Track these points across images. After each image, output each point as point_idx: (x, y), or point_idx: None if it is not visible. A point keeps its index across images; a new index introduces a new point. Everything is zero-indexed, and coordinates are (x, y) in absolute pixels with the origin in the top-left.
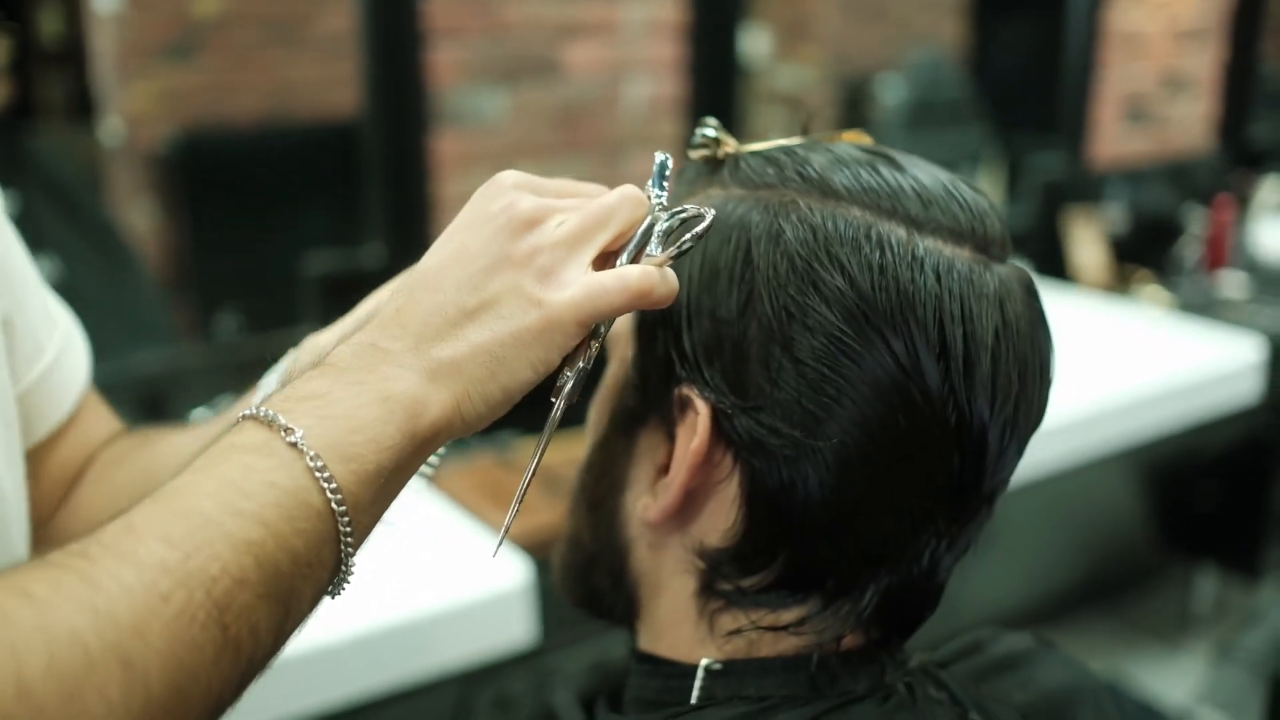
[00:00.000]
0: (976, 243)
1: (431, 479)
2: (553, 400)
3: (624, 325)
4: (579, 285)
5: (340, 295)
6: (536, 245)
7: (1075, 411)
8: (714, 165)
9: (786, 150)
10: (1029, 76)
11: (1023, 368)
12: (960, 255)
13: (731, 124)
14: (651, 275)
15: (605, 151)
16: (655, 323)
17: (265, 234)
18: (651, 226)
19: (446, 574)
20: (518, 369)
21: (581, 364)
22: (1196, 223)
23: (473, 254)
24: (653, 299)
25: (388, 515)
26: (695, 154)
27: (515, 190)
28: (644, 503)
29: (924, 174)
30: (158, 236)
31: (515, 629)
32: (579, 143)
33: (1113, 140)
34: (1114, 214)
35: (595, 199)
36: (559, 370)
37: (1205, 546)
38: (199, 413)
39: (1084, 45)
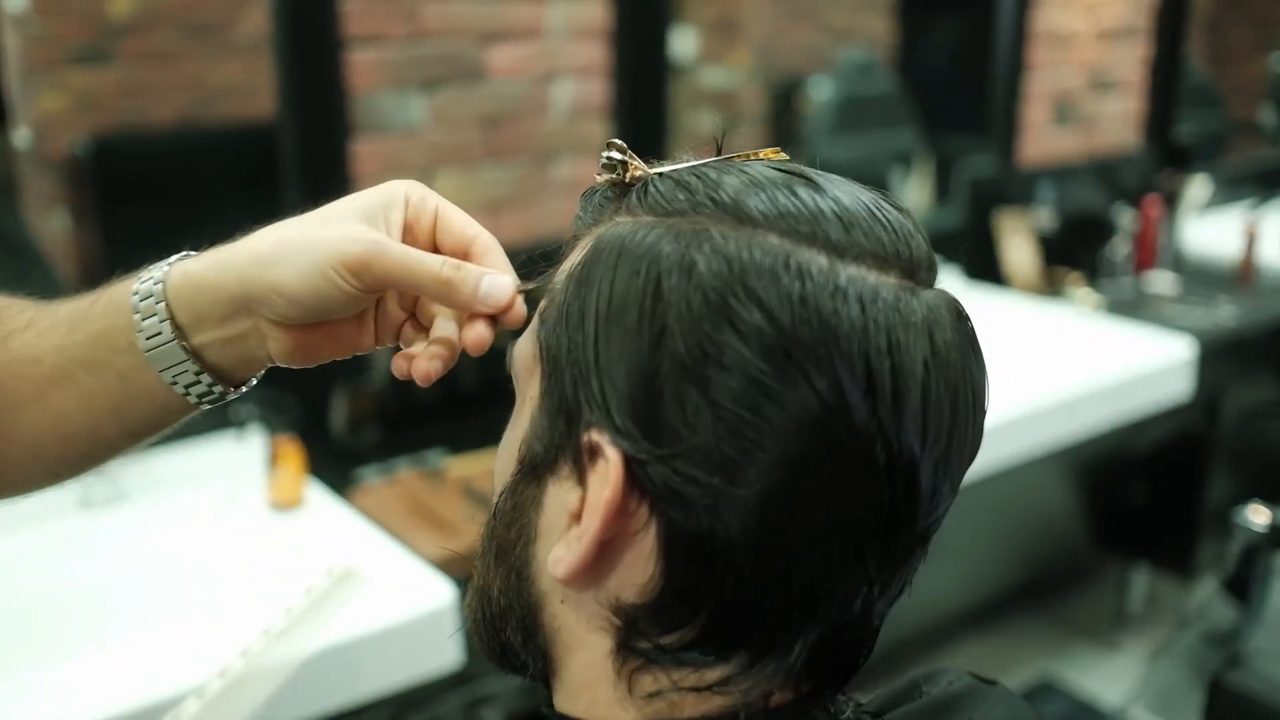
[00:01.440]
0: (902, 267)
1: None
2: None
3: (529, 361)
4: None
5: None
6: None
7: (1008, 413)
8: (622, 189)
9: (697, 173)
10: (957, 76)
11: (954, 399)
12: (885, 282)
13: (662, 128)
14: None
15: (532, 156)
16: (561, 359)
17: (184, 241)
18: None
19: (372, 596)
20: None
21: None
22: (1125, 222)
23: None
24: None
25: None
26: (602, 177)
27: None
28: (555, 555)
29: (845, 194)
30: (71, 244)
31: (444, 651)
32: (505, 148)
33: (1042, 140)
34: (1044, 214)
35: None
36: None
37: (1139, 545)
38: None
39: (1012, 45)
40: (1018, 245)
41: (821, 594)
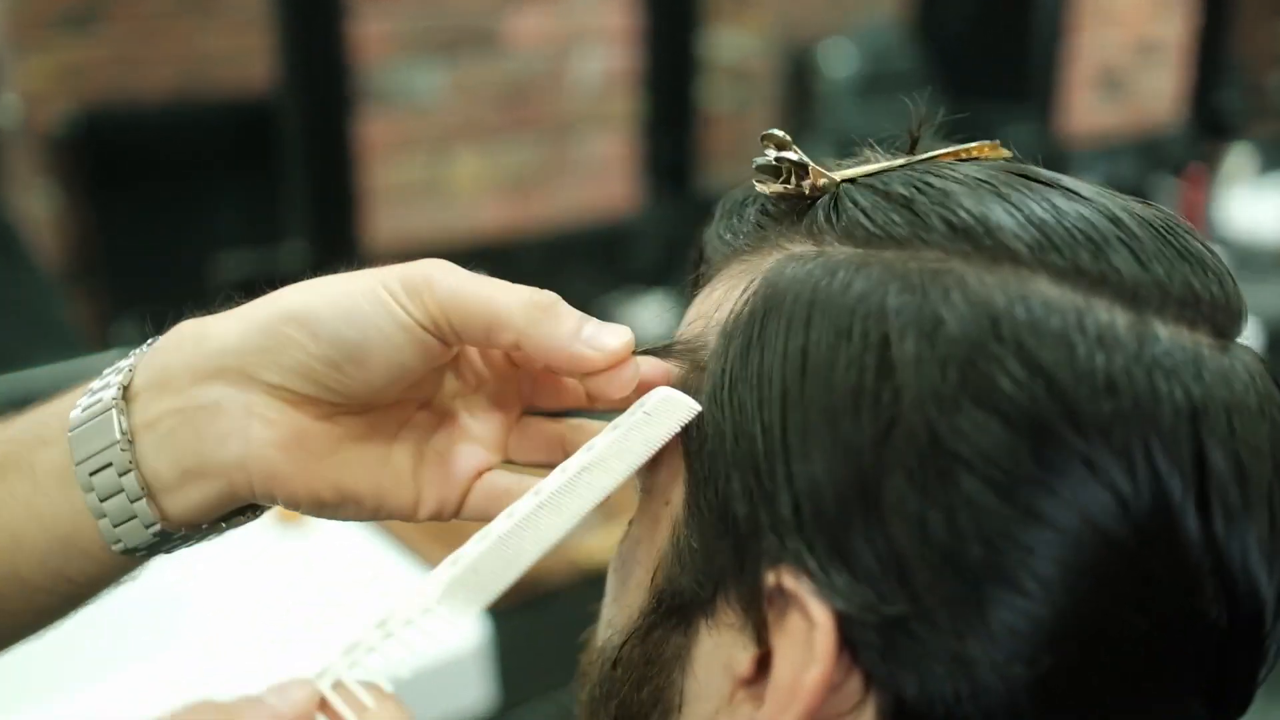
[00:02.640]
0: (1215, 319)
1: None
2: None
3: (673, 457)
4: None
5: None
6: None
7: None
8: (797, 204)
9: (911, 180)
10: (983, 41)
11: None
12: (1200, 342)
13: (693, 102)
14: None
15: (554, 131)
16: (723, 458)
17: (175, 223)
18: None
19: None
20: None
21: None
22: (1168, 195)
23: None
24: None
25: None
26: (767, 186)
27: None
28: None
29: (1119, 210)
30: (57, 225)
31: (472, 691)
32: (525, 122)
33: (1083, 111)
34: None
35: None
36: None
37: None
38: None
39: (1052, 10)
40: None
41: None
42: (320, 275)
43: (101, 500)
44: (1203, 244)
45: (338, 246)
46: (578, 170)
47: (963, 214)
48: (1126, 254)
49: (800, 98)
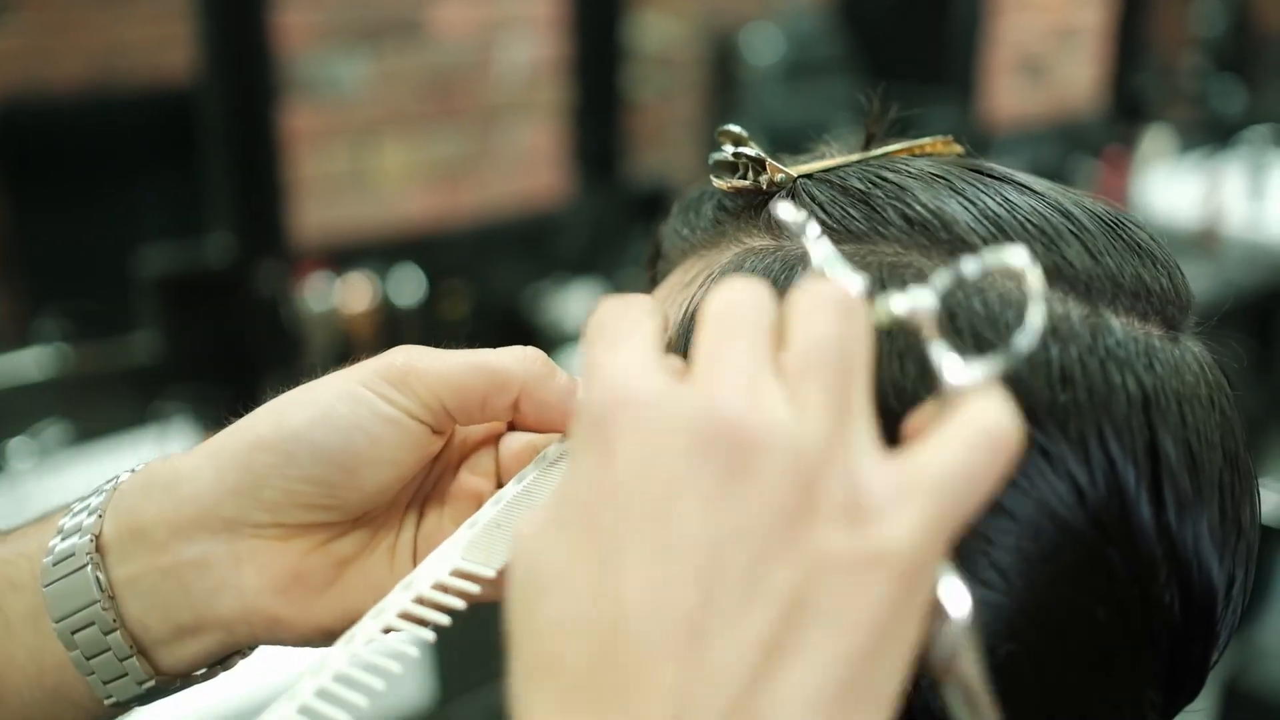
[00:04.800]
0: (1164, 311)
1: None
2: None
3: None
4: (915, 486)
5: (181, 298)
6: (796, 463)
7: None
8: (754, 199)
9: (867, 175)
10: (905, 26)
11: (1252, 494)
12: (1151, 333)
13: (619, 90)
14: (998, 404)
15: (480, 120)
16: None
17: (95, 217)
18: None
19: None
20: (885, 681)
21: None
22: (1088, 178)
23: (706, 548)
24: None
25: None
26: (724, 182)
27: (624, 377)
28: None
29: (1070, 203)
30: None
31: (411, 685)
32: (451, 112)
33: (1005, 96)
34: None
35: (813, 336)
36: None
37: None
38: (19, 442)
39: None
40: None
41: None
42: (246, 272)
43: (88, 658)
44: (1151, 237)
45: (263, 239)
46: (504, 159)
47: (919, 208)
48: (1079, 247)
49: (724, 84)
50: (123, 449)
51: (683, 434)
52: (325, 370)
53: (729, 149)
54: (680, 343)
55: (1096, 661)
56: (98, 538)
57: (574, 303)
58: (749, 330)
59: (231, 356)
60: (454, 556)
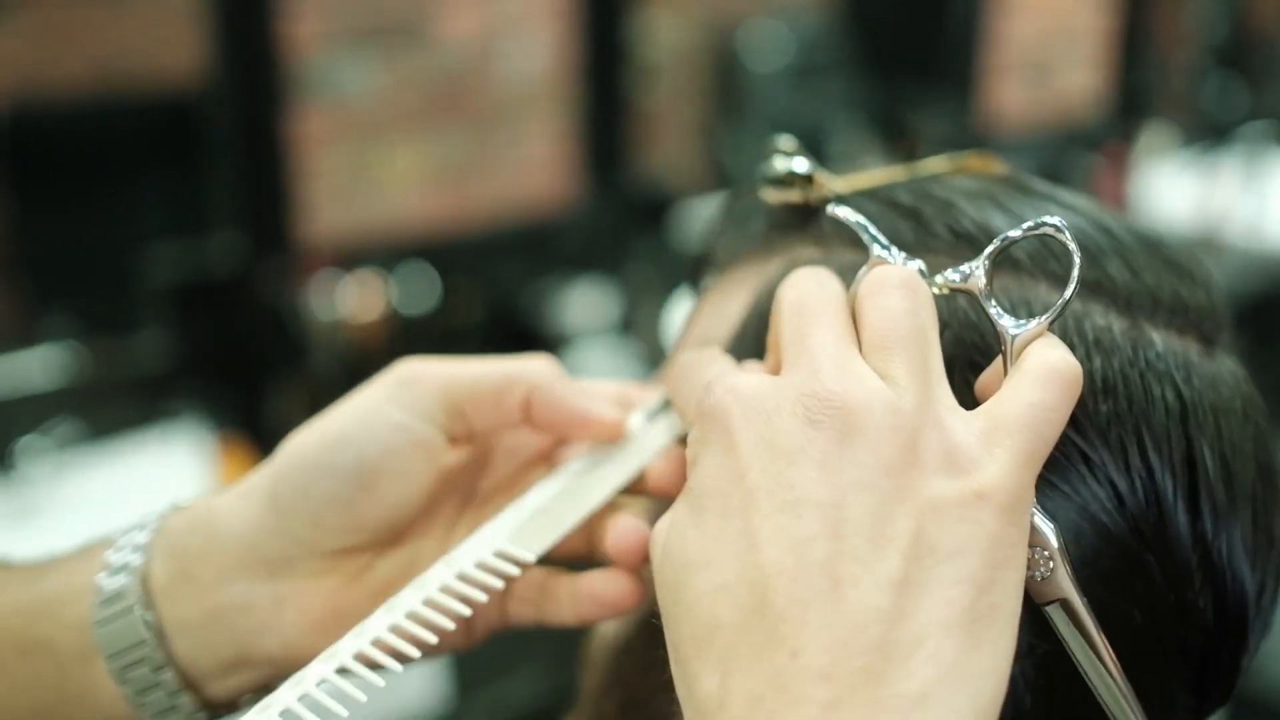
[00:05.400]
0: (1202, 326)
1: None
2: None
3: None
4: (998, 429)
5: (189, 301)
6: (896, 424)
7: None
8: (803, 213)
9: (913, 190)
10: (909, 27)
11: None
12: (1190, 348)
13: (624, 92)
14: (1059, 346)
15: (485, 123)
16: None
17: (100, 218)
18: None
19: None
20: (1004, 603)
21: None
22: (1089, 176)
23: (831, 505)
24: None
25: None
26: (773, 195)
27: (731, 380)
28: None
29: (1110, 220)
30: None
31: (426, 680)
32: (457, 114)
33: (1007, 96)
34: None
35: (888, 308)
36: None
37: None
38: (28, 442)
39: None
40: None
41: None
42: (254, 275)
43: (138, 694)
44: (1190, 255)
45: (270, 242)
46: (510, 162)
47: (965, 222)
48: (1120, 263)
49: (728, 84)
50: (131, 450)
51: (793, 413)
52: (333, 374)
53: (780, 163)
54: (748, 343)
55: (1130, 664)
56: (146, 578)
57: (578, 304)
58: (828, 314)
59: (239, 359)
60: (500, 539)
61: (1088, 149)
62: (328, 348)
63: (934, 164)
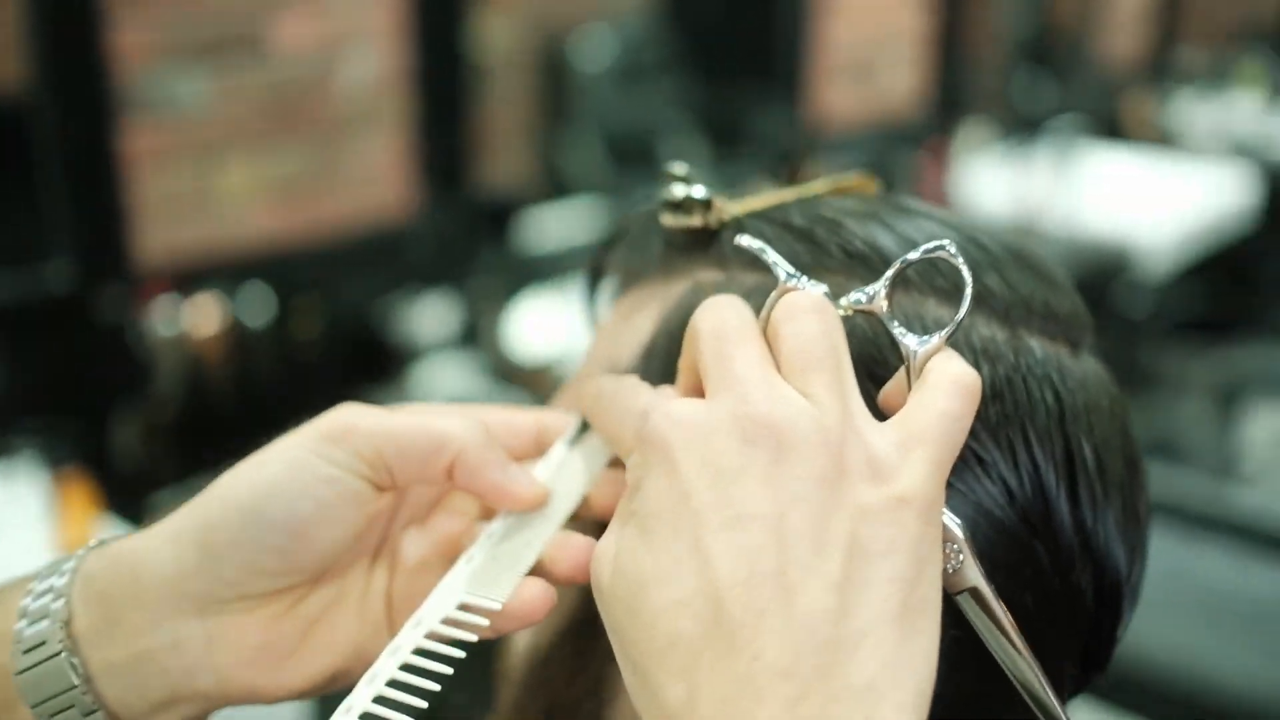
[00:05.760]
0: (1067, 332)
1: None
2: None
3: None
4: (912, 438)
5: (21, 327)
6: (823, 439)
7: None
8: (702, 236)
9: (804, 212)
10: (735, 29)
11: (1146, 495)
12: (1060, 352)
13: (462, 100)
14: (957, 359)
15: (324, 135)
16: None
17: None
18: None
19: None
20: (929, 595)
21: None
22: (912, 173)
23: (775, 517)
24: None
25: None
26: (674, 220)
27: (666, 407)
28: None
29: (980, 235)
30: None
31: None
32: (294, 127)
33: (833, 96)
34: (839, 171)
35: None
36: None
37: None
38: None
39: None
40: None
41: None
42: (89, 298)
43: None
44: (1052, 266)
45: (105, 263)
46: (349, 174)
47: (857, 242)
48: (996, 276)
49: (558, 87)
50: None
51: (729, 434)
52: (176, 399)
53: (677, 188)
54: (656, 364)
55: (1027, 643)
56: (67, 622)
57: (421, 315)
58: (747, 339)
59: (78, 386)
60: (458, 591)
61: (911, 146)
62: (170, 371)
63: (816, 185)
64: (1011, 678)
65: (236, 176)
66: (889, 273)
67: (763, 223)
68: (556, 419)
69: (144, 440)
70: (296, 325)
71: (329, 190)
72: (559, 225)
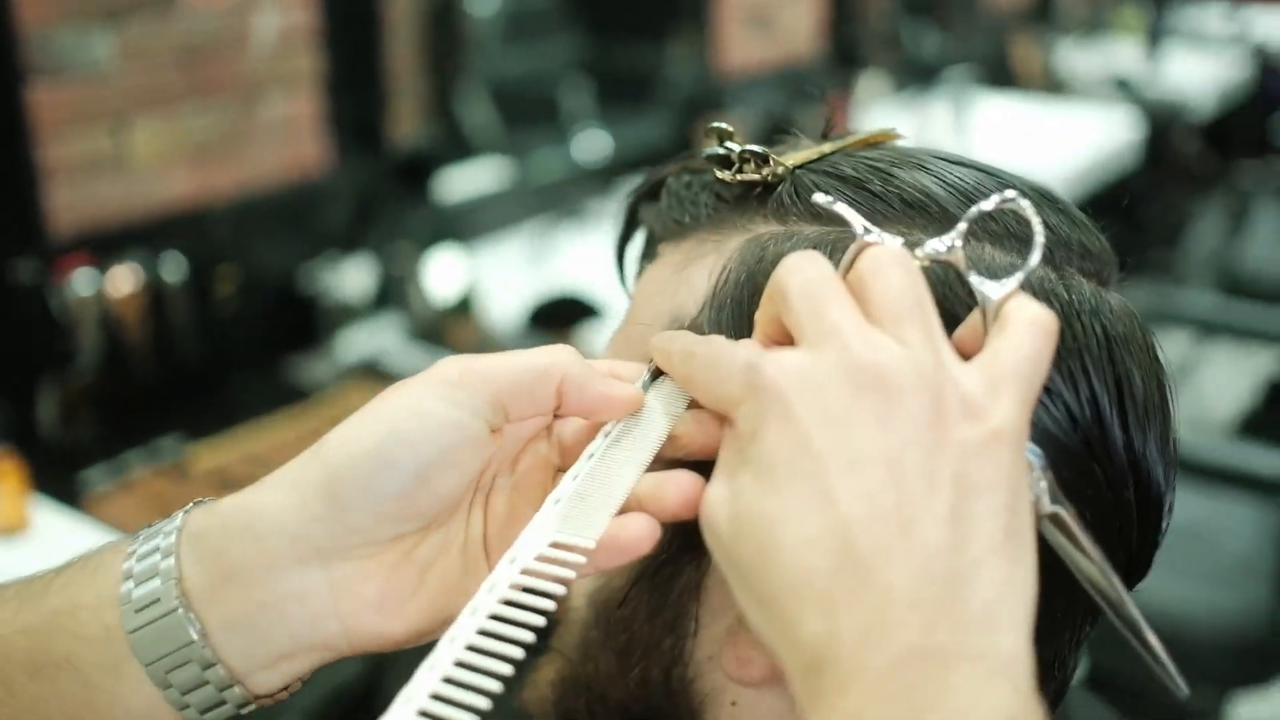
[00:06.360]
0: (1098, 269)
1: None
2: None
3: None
4: (1000, 377)
5: None
6: (923, 383)
7: None
8: (761, 190)
9: (854, 164)
10: None
11: (1173, 421)
12: (1098, 289)
13: (377, 56)
14: (1033, 303)
15: (240, 95)
16: None
17: None
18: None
19: None
20: (1027, 521)
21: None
22: (814, 121)
23: (890, 459)
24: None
25: None
26: (730, 176)
27: (778, 360)
28: (741, 656)
29: (1011, 179)
30: None
31: None
32: (208, 87)
33: (735, 46)
34: (744, 121)
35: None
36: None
37: None
38: None
39: None
40: None
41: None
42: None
43: (183, 694)
44: (1075, 207)
45: (15, 230)
46: (264, 133)
47: (914, 191)
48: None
49: (445, 41)
50: None
51: (840, 383)
52: (97, 368)
53: (730, 144)
54: (727, 317)
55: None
56: (179, 581)
57: (345, 275)
58: (837, 293)
59: None
60: (549, 530)
61: (813, 96)
62: (89, 337)
63: (850, 139)
64: (1093, 593)
65: (148, 137)
66: (961, 225)
67: (816, 174)
68: (627, 368)
69: (64, 414)
70: (215, 288)
71: (244, 150)
72: (468, 181)
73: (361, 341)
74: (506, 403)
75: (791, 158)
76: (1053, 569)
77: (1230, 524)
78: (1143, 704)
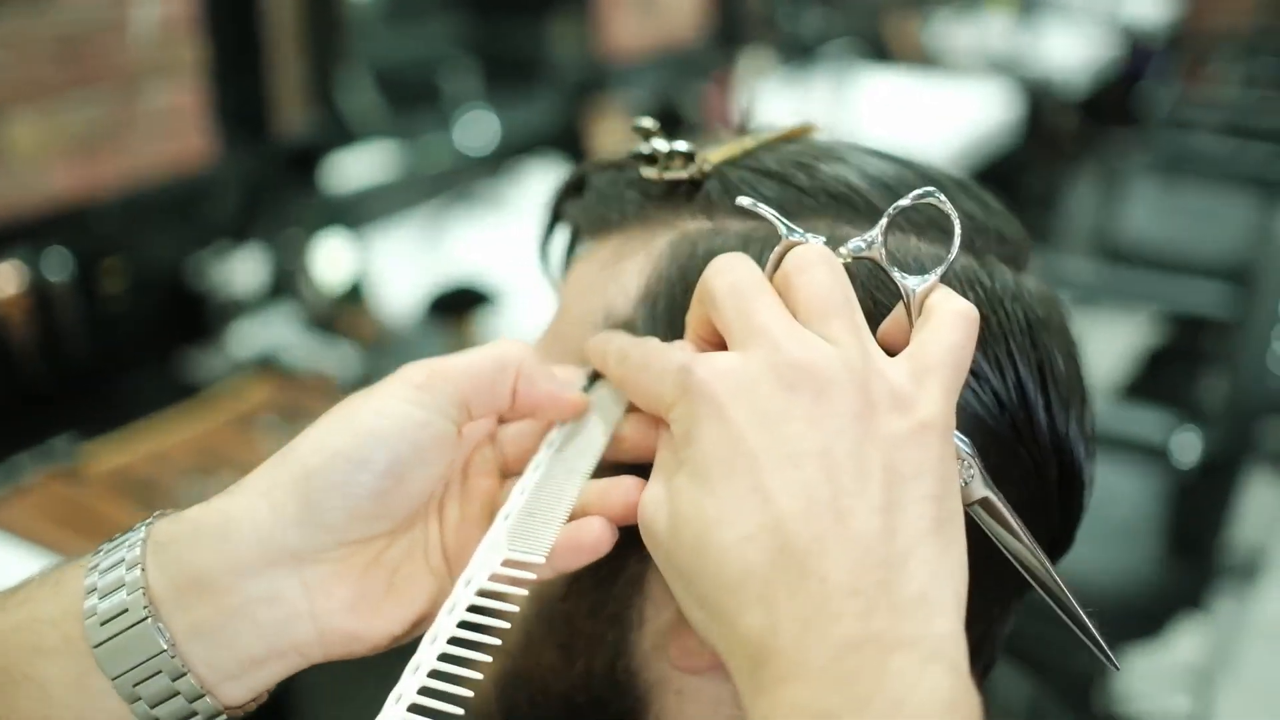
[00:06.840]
0: (1013, 254)
1: None
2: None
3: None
4: (925, 369)
5: None
6: (851, 378)
7: None
8: (683, 187)
9: (777, 159)
10: None
11: (1088, 390)
12: (1016, 274)
13: (258, 44)
14: (954, 296)
15: (121, 86)
16: None
17: None
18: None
19: None
20: (956, 509)
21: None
22: (699, 100)
23: (822, 452)
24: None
25: None
26: (657, 173)
27: (709, 361)
28: (685, 647)
29: (932, 171)
30: None
31: None
32: (88, 78)
33: (622, 28)
34: (631, 103)
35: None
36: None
37: None
38: None
39: None
40: (612, 137)
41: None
42: None
43: (152, 706)
44: (988, 193)
45: None
46: (147, 125)
47: (835, 184)
48: (958, 210)
49: (325, 26)
50: None
51: (771, 381)
52: None
53: (656, 142)
54: (660, 315)
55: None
56: (145, 590)
57: (235, 268)
58: (763, 293)
59: None
60: (502, 547)
61: (697, 76)
62: None
63: (767, 133)
64: (1023, 573)
65: (26, 131)
66: (882, 221)
67: (741, 170)
68: (566, 372)
69: None
70: (102, 284)
71: (126, 142)
72: (355, 167)
73: (255, 334)
74: (469, 399)
75: (715, 154)
76: (981, 550)
77: (1118, 486)
78: (1047, 661)
